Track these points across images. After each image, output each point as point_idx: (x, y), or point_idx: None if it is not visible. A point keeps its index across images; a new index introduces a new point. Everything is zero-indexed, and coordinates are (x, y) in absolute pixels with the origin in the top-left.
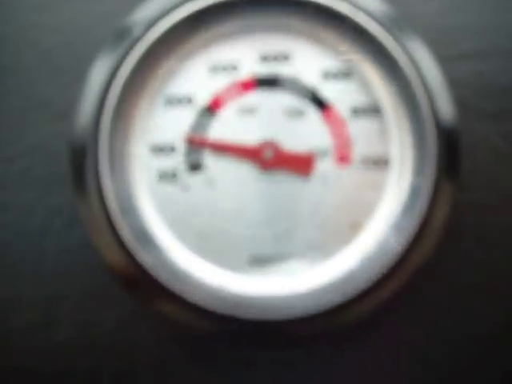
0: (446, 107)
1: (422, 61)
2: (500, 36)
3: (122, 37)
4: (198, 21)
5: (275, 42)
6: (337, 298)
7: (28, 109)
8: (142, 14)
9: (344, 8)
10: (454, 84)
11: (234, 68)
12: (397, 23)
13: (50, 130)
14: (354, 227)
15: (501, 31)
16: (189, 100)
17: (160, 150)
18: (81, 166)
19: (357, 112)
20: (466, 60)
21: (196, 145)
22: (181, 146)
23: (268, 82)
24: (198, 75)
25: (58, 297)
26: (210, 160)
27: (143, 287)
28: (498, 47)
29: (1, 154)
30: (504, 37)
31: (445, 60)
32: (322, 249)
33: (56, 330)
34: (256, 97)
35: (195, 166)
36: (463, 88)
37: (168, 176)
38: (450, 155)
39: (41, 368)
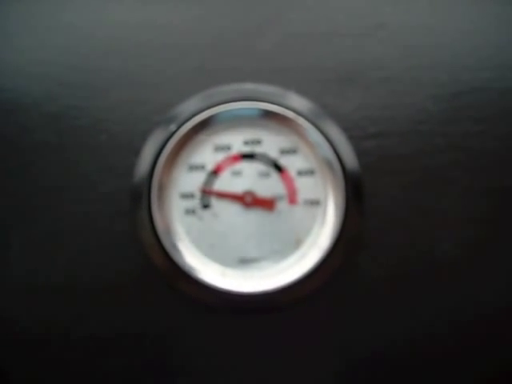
0: (355, 169)
1: (337, 139)
2: (396, 121)
3: (166, 128)
4: (208, 123)
5: (252, 133)
6: (285, 281)
7: (98, 170)
8: (176, 112)
9: (287, 113)
10: (362, 154)
11: (229, 148)
12: (319, 116)
13: (115, 183)
14: (298, 242)
15: (398, 118)
16: (202, 167)
17: (185, 196)
18: (139, 205)
19: (300, 173)
20: (374, 138)
21: (206, 193)
22: (197, 194)
23: (248, 156)
24: (207, 152)
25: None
26: (214, 202)
27: (174, 278)
28: (395, 130)
29: (83, 198)
30: (400, 122)
31: (357, 139)
32: (280, 254)
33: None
34: (241, 165)
35: (206, 206)
36: (368, 155)
37: (190, 211)
38: (356, 195)
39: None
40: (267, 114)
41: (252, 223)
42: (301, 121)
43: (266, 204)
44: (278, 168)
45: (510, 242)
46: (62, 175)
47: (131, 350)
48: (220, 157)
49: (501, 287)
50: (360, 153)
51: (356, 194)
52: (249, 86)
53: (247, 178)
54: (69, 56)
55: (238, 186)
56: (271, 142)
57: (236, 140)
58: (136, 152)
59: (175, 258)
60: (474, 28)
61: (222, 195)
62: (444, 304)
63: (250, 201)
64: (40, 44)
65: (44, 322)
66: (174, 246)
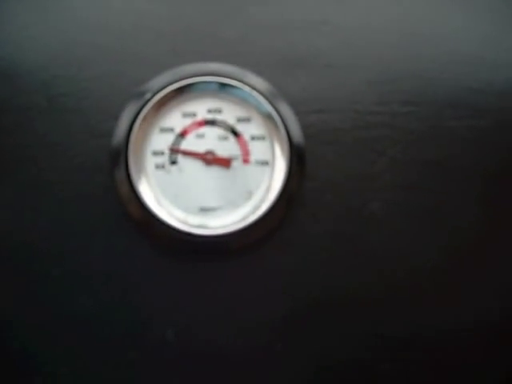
0: (298, 137)
1: (286, 112)
2: (336, 101)
3: (142, 97)
4: (179, 92)
5: (214, 103)
6: (237, 227)
7: (81, 131)
8: (152, 84)
9: (244, 87)
10: (306, 126)
11: (194, 115)
12: (272, 92)
13: (96, 142)
14: (249, 194)
15: (337, 98)
16: (171, 130)
17: (156, 153)
18: (118, 160)
19: (253, 138)
20: (317, 113)
21: (174, 151)
22: (167, 152)
23: (211, 122)
24: (176, 118)
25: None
26: (181, 159)
27: (144, 223)
28: (334, 107)
29: (63, 155)
30: (339, 101)
31: (302, 114)
32: (234, 204)
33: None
34: (204, 129)
35: (173, 162)
36: (311, 128)
37: (160, 166)
38: (299, 160)
39: None
40: (227, 88)
41: (211, 178)
42: (255, 94)
43: (224, 162)
44: (235, 133)
45: (424, 199)
46: (48, 134)
47: (101, 288)
48: (187, 122)
49: (418, 242)
50: (304, 126)
51: (299, 159)
52: (213, 65)
53: (209, 140)
54: (60, 33)
55: (200, 146)
56: (230, 112)
57: (201, 108)
58: (115, 117)
59: (146, 205)
60: (401, 27)
61: (187, 153)
62: (370, 253)
63: (210, 159)
64: (36, 21)
65: (26, 258)
66: (146, 195)
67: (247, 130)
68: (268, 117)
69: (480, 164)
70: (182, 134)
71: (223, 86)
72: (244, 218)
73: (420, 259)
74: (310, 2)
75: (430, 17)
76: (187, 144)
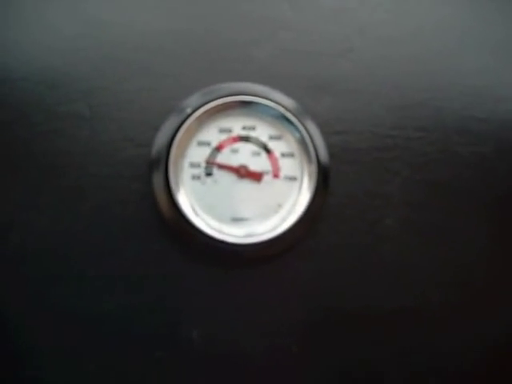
0: (324, 156)
1: (313, 132)
2: (357, 123)
3: (182, 112)
4: (217, 109)
5: (249, 121)
6: (267, 237)
7: (121, 140)
8: (191, 100)
9: (277, 107)
10: (330, 145)
11: (230, 131)
12: (300, 113)
13: (135, 151)
14: (278, 207)
15: (358, 120)
16: (208, 144)
17: (193, 165)
18: (157, 169)
19: (284, 155)
20: (340, 134)
21: (210, 164)
22: (203, 164)
23: (245, 139)
24: (213, 132)
25: None
26: (216, 171)
27: (180, 230)
28: (355, 129)
29: (103, 163)
30: (359, 123)
31: (326, 134)
32: (264, 216)
33: None
34: (239, 145)
35: (209, 174)
36: (334, 147)
37: (196, 177)
38: (324, 177)
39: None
40: (262, 107)
41: (243, 190)
42: (287, 114)
43: (256, 176)
44: (267, 150)
45: (432, 217)
46: (90, 142)
47: (135, 290)
48: (223, 137)
49: (427, 255)
50: (328, 145)
51: (323, 176)
52: (248, 85)
53: (242, 155)
54: (104, 46)
55: (234, 160)
56: (263, 129)
57: (236, 125)
58: (154, 128)
59: (183, 213)
60: (417, 60)
61: (222, 166)
62: (384, 264)
63: (243, 172)
64: (82, 34)
65: (64, 261)
66: (183, 203)
67: (278, 148)
68: (298, 136)
69: (482, 186)
70: (218, 148)
71: (258, 105)
72: (273, 229)
73: (428, 271)
74: (337, 31)
75: (444, 51)
76: (222, 158)
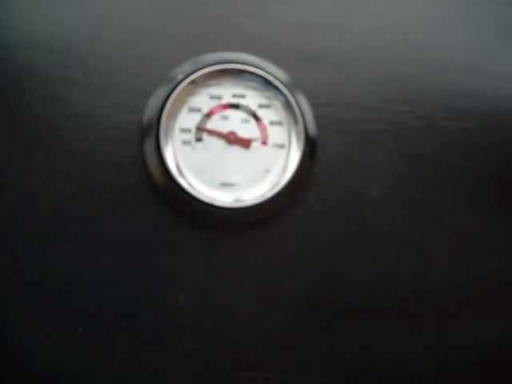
0: (312, 126)
1: (302, 103)
2: (344, 95)
3: (173, 79)
4: (208, 76)
5: (239, 90)
6: (256, 201)
7: (114, 106)
8: (181, 69)
9: (267, 76)
10: (318, 116)
11: (220, 98)
12: (290, 83)
13: (128, 117)
14: (267, 172)
15: (346, 93)
16: (198, 110)
17: (184, 131)
18: (149, 134)
19: (272, 123)
20: (329, 106)
21: (200, 130)
22: (193, 130)
23: (235, 106)
24: (204, 99)
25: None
26: (206, 137)
27: (170, 193)
28: (343, 101)
29: (95, 127)
30: (347, 96)
31: (315, 105)
32: (253, 181)
33: None
34: (228, 112)
35: (199, 139)
36: (322, 118)
37: (186, 143)
38: (311, 146)
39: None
40: (252, 76)
41: (233, 156)
42: (276, 83)
43: (244, 143)
44: (256, 117)
45: (416, 188)
46: (82, 107)
47: (123, 253)
48: (213, 104)
49: (410, 224)
50: (317, 115)
51: (310, 144)
52: (240, 55)
53: (232, 122)
54: (99, 13)
55: (224, 127)
56: (252, 98)
57: (226, 93)
58: (146, 95)
59: (173, 177)
60: (405, 36)
61: (212, 132)
62: (369, 233)
63: (232, 139)
64: (78, 2)
65: (53, 222)
66: (172, 168)
67: (267, 116)
68: (286, 105)
69: (466, 161)
70: (208, 115)
71: (248, 73)
72: (260, 196)
73: (412, 240)
74: (326, 5)
75: (429, 29)
76: (212, 124)
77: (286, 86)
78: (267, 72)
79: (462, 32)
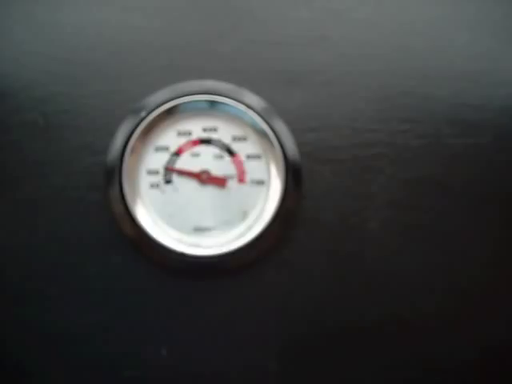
0: (294, 155)
1: (281, 131)
2: (332, 118)
3: (137, 114)
4: (174, 110)
5: (210, 122)
6: (232, 248)
7: (77, 148)
8: (147, 102)
9: (239, 106)
10: (302, 144)
11: (189, 133)
12: (267, 110)
13: (92, 160)
14: (245, 214)
15: (334, 115)
16: (166, 148)
17: (151, 172)
18: (112, 179)
19: (249, 157)
20: (313, 132)
21: (169, 170)
22: (161, 171)
23: (206, 141)
24: (171, 136)
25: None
26: (175, 178)
27: (138, 242)
28: (331, 125)
29: (59, 173)
30: (335, 118)
31: (299, 131)
32: (229, 224)
33: None
34: (199, 148)
35: (168, 181)
36: (307, 145)
37: (154, 185)
38: (295, 179)
39: None
40: (223, 106)
41: (206, 197)
42: (251, 113)
43: (219, 182)
44: (230, 152)
45: (424, 218)
46: (45, 152)
47: (98, 304)
48: (182, 140)
49: (417, 260)
50: (300, 143)
51: (295, 178)
52: (209, 83)
53: (204, 159)
54: (57, 49)
55: (196, 165)
56: (225, 130)
57: (196, 127)
58: (111, 134)
59: (141, 225)
60: (400, 43)
61: (182, 173)
62: (369, 272)
63: (205, 178)
64: (32, 38)
65: (23, 275)
66: (140, 214)
67: (243, 149)
68: (263, 135)
69: (479, 183)
70: (177, 153)
71: (218, 104)
72: (238, 238)
73: (417, 278)
74: (308, 18)
75: (427, 33)
76: (182, 163)
77: (261, 115)
78: (240, 100)
79: (467, 34)
